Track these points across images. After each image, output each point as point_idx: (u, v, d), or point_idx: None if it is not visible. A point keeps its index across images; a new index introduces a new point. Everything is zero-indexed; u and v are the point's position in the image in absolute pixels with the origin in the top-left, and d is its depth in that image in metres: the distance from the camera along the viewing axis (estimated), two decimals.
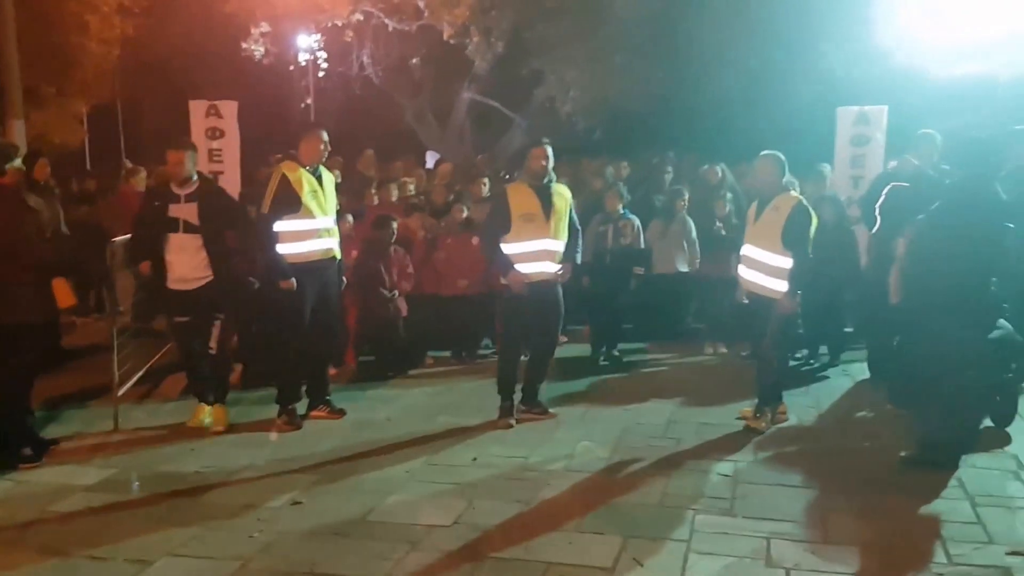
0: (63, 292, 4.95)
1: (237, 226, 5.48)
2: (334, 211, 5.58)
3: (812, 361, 6.90)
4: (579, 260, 5.68)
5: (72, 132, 15.85)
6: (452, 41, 14.82)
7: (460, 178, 8.96)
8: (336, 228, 5.59)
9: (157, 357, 6.75)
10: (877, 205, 6.02)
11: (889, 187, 5.99)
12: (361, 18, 14.58)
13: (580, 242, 5.68)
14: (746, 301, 5.53)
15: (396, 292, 6.72)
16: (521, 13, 15.12)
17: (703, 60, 13.30)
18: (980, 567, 3.57)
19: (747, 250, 5.39)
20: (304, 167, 5.33)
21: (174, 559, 3.66)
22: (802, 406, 5.82)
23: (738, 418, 5.41)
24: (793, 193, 5.38)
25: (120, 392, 5.59)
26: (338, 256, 5.60)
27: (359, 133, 16.78)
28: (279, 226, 5.26)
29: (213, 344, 5.41)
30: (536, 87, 17.01)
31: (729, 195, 7.45)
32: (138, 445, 5.13)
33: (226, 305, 5.50)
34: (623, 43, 14.53)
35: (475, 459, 4.83)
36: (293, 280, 5.27)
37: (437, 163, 11.43)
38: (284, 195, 5.24)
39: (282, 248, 5.27)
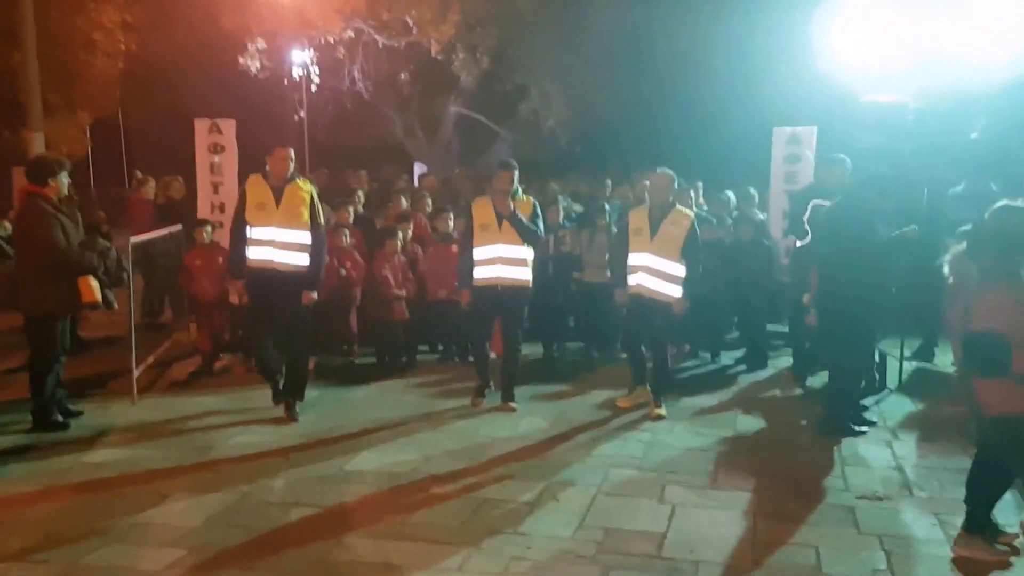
0: (87, 289, 5.81)
1: None
2: (297, 226, 5.63)
3: (744, 359, 7.79)
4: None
5: (77, 143, 16.61)
6: (439, 57, 15.72)
7: (444, 191, 9.73)
8: (295, 241, 5.63)
9: (165, 347, 7.66)
10: (805, 219, 6.77)
11: (812, 204, 6.79)
12: (352, 35, 15.45)
13: (535, 244, 6.12)
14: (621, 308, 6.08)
15: (404, 292, 7.39)
16: (505, 30, 15.97)
17: (677, 80, 14.21)
18: (832, 506, 4.49)
19: (647, 260, 5.87)
20: (270, 182, 5.68)
21: (189, 493, 4.57)
22: (730, 391, 6.74)
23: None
24: (685, 209, 6.08)
25: (136, 373, 6.43)
26: (286, 268, 5.64)
27: (349, 146, 17.64)
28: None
29: None
30: (521, 102, 17.88)
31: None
32: (153, 417, 5.96)
33: None
34: (602, 62, 15.44)
35: (435, 429, 5.72)
36: (239, 282, 5.85)
37: (421, 177, 12.12)
38: (239, 206, 5.85)
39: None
